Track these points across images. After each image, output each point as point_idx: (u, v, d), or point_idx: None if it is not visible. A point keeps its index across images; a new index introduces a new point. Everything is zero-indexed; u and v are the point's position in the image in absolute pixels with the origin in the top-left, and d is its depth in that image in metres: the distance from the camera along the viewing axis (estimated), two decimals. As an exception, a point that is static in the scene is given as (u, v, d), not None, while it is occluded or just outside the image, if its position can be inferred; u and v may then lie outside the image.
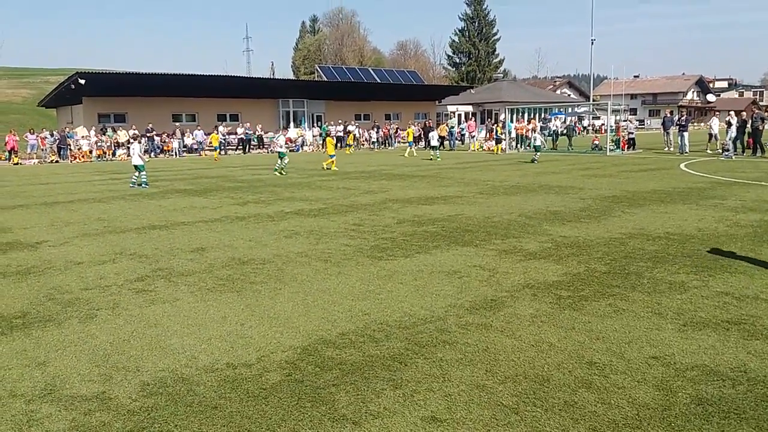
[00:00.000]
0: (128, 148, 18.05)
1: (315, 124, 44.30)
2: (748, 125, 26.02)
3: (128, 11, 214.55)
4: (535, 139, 24.55)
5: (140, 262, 7.09)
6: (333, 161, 21.47)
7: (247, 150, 36.78)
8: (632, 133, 30.33)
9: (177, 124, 36.82)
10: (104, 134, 33.04)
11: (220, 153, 34.09)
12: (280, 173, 19.66)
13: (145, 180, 16.31)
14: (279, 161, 20.11)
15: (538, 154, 23.74)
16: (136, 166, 16.33)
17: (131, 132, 31.82)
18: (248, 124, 38.04)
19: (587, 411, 3.27)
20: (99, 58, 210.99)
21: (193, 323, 4.83)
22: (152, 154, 33.65)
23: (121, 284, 6.07)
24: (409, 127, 33.20)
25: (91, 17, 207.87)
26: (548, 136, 36.32)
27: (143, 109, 36.54)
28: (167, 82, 36.64)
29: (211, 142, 34.26)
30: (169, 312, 5.13)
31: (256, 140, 38.56)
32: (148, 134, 33.57)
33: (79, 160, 31.32)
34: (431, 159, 25.70)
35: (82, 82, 32.11)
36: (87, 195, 14.57)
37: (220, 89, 39.57)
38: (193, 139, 35.58)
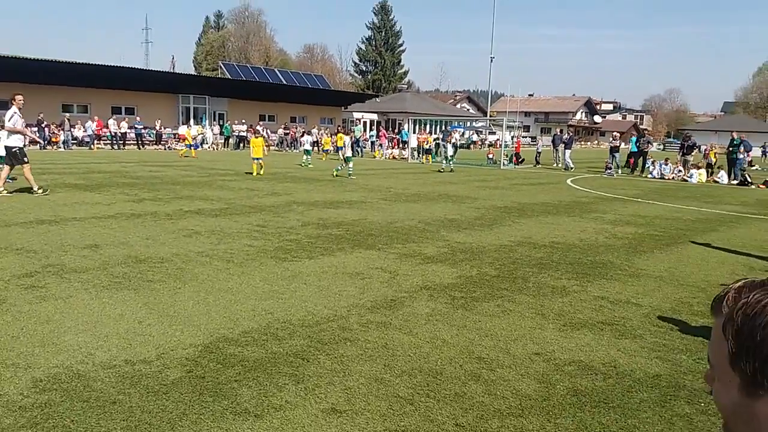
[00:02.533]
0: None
1: (216, 122, 43.30)
2: (627, 145, 28.42)
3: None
4: (446, 149, 25.36)
5: (28, 257, 6.73)
6: (260, 164, 19.18)
7: (141, 146, 35.33)
8: (539, 151, 32.79)
9: (66, 114, 34.68)
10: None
11: (113, 147, 32.50)
12: (339, 174, 19.17)
13: None
14: (343, 164, 19.42)
15: (451, 163, 24.61)
16: None
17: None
18: (138, 118, 36.47)
19: (475, 401, 3.54)
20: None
21: (88, 320, 4.69)
22: (39, 146, 31.55)
23: (8, 279, 5.75)
24: (338, 133, 32.57)
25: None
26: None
27: (29, 97, 33.96)
28: (56, 70, 34.41)
29: (181, 137, 31.01)
30: (62, 309, 4.94)
31: (153, 136, 37.15)
32: (39, 125, 31.44)
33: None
34: (302, 165, 24.59)
35: (-41, 63, 29.55)
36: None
37: (116, 80, 37.70)
38: (84, 131, 33.67)
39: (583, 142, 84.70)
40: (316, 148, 33.18)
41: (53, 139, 32.29)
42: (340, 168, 19.76)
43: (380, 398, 3.54)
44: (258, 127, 37.45)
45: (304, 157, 25.51)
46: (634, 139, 28.60)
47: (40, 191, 12.27)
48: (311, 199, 13.06)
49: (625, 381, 3.93)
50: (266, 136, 36.77)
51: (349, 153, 20.01)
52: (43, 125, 31.64)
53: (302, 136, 41.31)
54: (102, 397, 3.42)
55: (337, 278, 6.26)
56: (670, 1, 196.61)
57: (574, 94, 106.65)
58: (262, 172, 19.01)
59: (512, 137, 37.24)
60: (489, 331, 4.76)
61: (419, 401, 3.52)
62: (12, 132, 12.20)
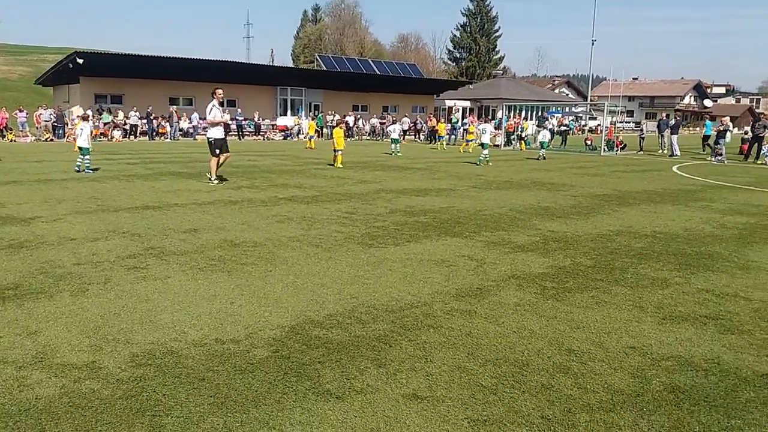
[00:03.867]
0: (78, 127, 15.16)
1: (312, 113, 44.35)
2: (745, 131, 26.52)
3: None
4: (543, 136, 24.58)
5: (132, 240, 7.15)
6: (338, 156, 18.26)
7: (241, 137, 36.78)
8: (643, 137, 31.22)
9: (173, 107, 36.70)
10: (100, 115, 32.88)
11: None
12: (481, 162, 19.94)
13: (88, 164, 15.06)
14: (484, 154, 20.16)
15: (544, 150, 23.88)
16: (80, 148, 15.14)
17: (84, 112, 31.65)
18: (239, 110, 37.95)
19: (563, 394, 3.38)
20: (96, 38, 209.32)
21: (183, 300, 4.91)
22: (148, 137, 33.65)
23: (113, 261, 6.14)
24: (440, 123, 33.07)
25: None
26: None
27: (140, 91, 36.42)
28: (165, 65, 36.47)
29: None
30: (160, 288, 5.21)
31: (252, 127, 38.58)
32: (148, 117, 33.56)
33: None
34: (390, 153, 24.44)
35: (81, 61, 31.94)
36: (80, 174, 14.57)
37: (218, 74, 39.37)
38: (189, 123, 35.51)
39: (691, 128, 79.57)
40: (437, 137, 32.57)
41: (160, 131, 34.25)
42: (482, 157, 20.13)
43: (463, 386, 3.45)
44: (349, 118, 37.97)
45: (392, 146, 25.53)
46: (708, 123, 29.11)
47: (215, 182, 12.99)
48: (399, 187, 13.06)
49: (729, 379, 3.62)
50: (351, 126, 37.02)
51: (486, 140, 20.82)
52: (151, 117, 33.67)
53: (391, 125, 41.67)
54: (192, 373, 3.55)
55: (422, 265, 6.20)
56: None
57: (682, 77, 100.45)
58: (338, 165, 18.10)
59: (612, 122, 35.49)
60: (581, 323, 4.53)
61: (503, 392, 3.40)
62: (212, 125, 12.97)
